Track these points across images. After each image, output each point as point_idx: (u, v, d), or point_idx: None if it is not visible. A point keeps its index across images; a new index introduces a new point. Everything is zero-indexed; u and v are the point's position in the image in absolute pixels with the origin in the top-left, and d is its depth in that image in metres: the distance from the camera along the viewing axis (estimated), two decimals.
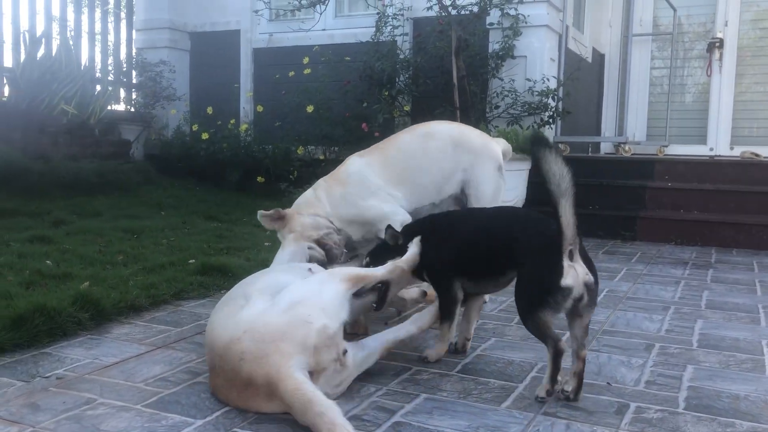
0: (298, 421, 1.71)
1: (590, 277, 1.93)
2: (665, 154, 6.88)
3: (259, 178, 6.41)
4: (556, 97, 5.72)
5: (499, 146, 3.10)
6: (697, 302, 3.28)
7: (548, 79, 5.74)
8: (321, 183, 2.91)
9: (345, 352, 1.92)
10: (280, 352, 1.78)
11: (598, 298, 3.29)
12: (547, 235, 1.96)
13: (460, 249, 2.22)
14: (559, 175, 1.85)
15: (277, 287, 2.02)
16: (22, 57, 6.08)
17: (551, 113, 5.71)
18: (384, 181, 2.84)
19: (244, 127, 6.80)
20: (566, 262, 1.90)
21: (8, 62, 6.12)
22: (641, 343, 2.58)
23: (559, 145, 6.37)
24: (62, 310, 2.55)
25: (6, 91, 6.05)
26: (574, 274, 1.89)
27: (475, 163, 2.98)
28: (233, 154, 6.44)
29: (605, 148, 7.68)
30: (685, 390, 2.09)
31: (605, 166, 5.93)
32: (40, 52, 6.22)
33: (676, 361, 2.37)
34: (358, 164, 2.88)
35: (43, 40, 6.35)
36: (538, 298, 1.93)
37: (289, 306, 1.89)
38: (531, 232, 2.07)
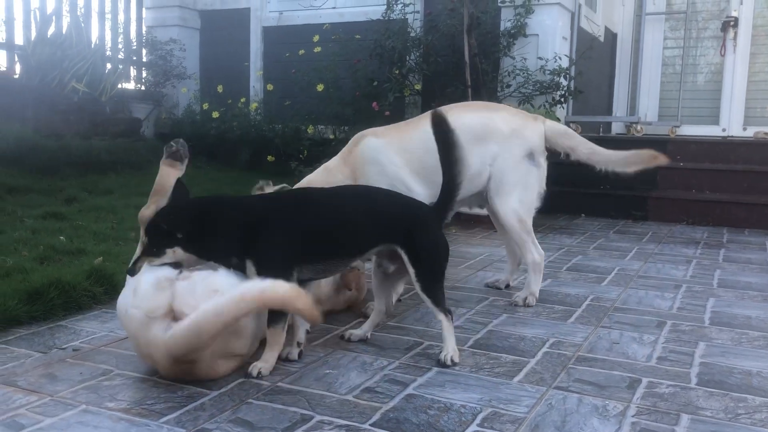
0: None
1: None
2: (677, 135, 6.82)
3: (269, 157, 6.40)
4: (568, 76, 5.66)
5: (537, 127, 2.81)
6: (709, 281, 3.28)
7: (560, 58, 5.68)
8: (335, 163, 2.67)
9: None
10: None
11: (609, 276, 3.31)
12: (427, 207, 2.21)
13: (312, 231, 2.05)
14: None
15: None
16: (33, 34, 6.07)
17: (563, 92, 5.66)
18: (401, 167, 2.64)
19: (254, 105, 6.79)
20: None
21: (19, 40, 6.11)
22: (653, 320, 2.58)
23: (571, 124, 6.33)
24: (77, 284, 2.58)
25: (17, 68, 6.05)
26: None
27: (499, 154, 2.73)
28: (243, 133, 6.44)
29: (616, 128, 7.62)
30: (697, 366, 2.09)
31: (616, 145, 5.77)
32: (51, 30, 6.20)
33: (688, 338, 2.38)
34: (374, 145, 2.66)
35: (54, 17, 6.32)
36: (444, 262, 2.12)
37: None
38: (410, 205, 2.20)
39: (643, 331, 2.44)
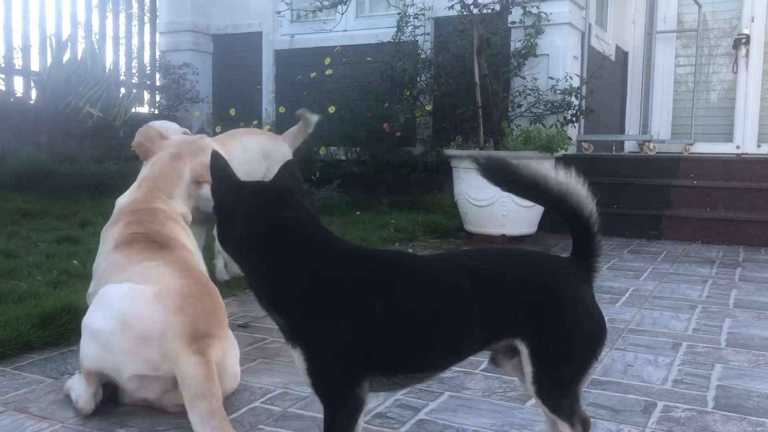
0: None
1: None
2: (690, 153, 6.79)
3: None
4: (579, 95, 5.67)
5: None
6: (725, 301, 3.24)
7: (571, 78, 5.69)
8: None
9: None
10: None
11: (624, 297, 3.28)
12: (567, 265, 1.41)
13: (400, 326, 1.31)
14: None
15: None
16: (49, 60, 6.18)
17: (574, 112, 5.66)
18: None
19: (266, 128, 6.83)
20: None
21: (35, 66, 6.22)
22: (668, 341, 2.55)
23: (583, 143, 6.32)
24: None
25: (33, 94, 6.14)
26: None
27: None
28: None
29: (629, 146, 7.60)
30: (713, 389, 2.06)
31: (630, 164, 5.87)
32: (66, 56, 6.31)
33: (704, 360, 2.34)
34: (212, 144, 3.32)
35: (69, 44, 6.44)
36: (587, 357, 1.37)
37: None
38: (543, 268, 1.41)
39: (658, 353, 2.41)
